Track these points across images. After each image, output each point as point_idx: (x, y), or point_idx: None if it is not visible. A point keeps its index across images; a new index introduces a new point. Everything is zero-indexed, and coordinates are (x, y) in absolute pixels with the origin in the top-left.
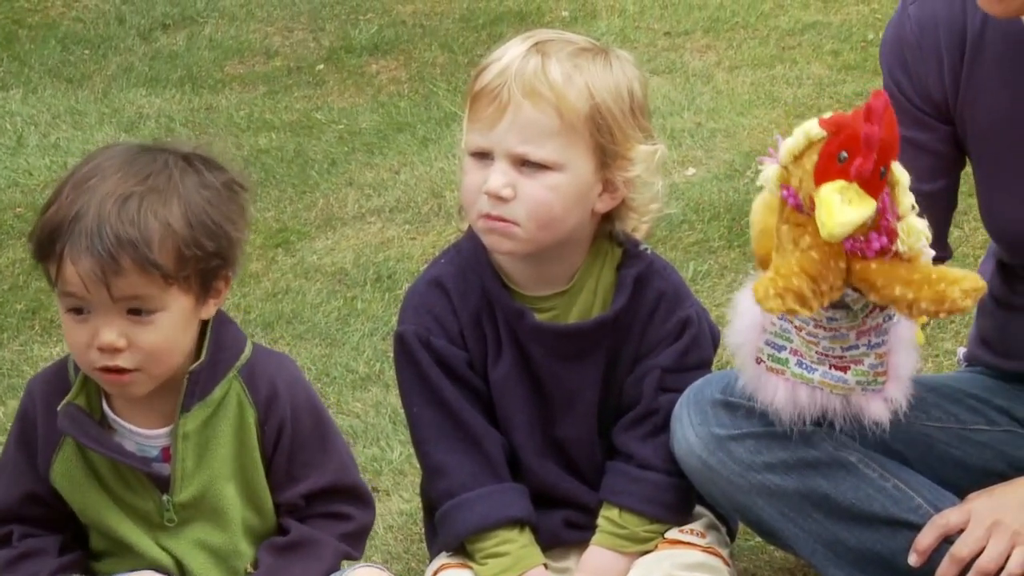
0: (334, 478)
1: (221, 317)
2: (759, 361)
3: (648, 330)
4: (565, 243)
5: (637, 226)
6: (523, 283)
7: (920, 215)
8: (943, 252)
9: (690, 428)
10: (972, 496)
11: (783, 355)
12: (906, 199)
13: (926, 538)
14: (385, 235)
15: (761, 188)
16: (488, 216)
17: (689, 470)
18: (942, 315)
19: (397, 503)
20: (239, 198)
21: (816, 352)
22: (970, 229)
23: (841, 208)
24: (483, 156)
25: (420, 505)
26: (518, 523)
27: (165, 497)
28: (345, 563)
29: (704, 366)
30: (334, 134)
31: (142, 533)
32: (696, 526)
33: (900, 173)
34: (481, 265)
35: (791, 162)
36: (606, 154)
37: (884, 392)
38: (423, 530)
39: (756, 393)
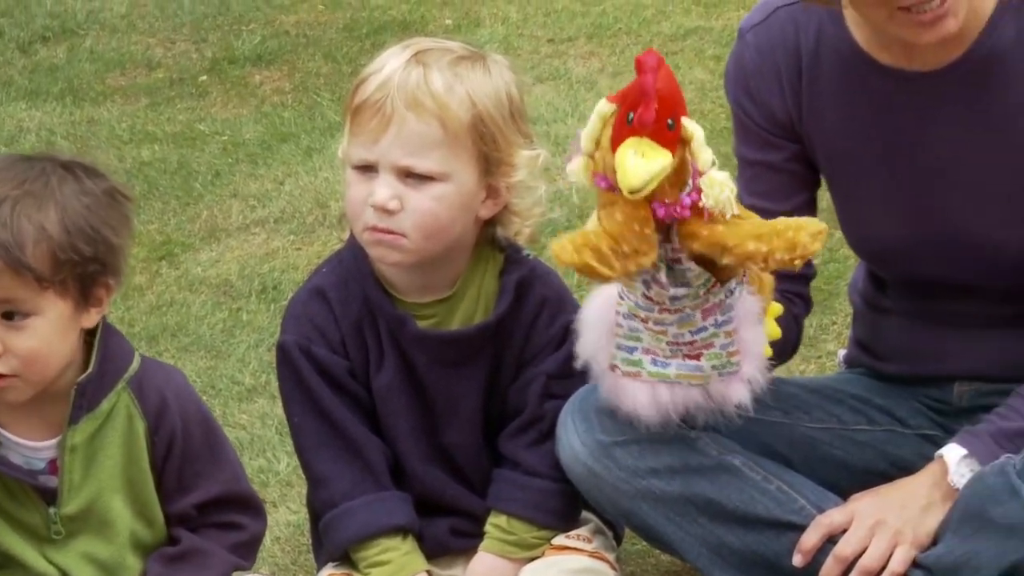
0: (226, 488)
1: (108, 329)
2: (613, 368)
3: (531, 336)
4: (448, 250)
5: (520, 230)
6: (405, 290)
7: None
8: (807, 269)
9: (575, 435)
10: (855, 496)
11: (636, 356)
12: (704, 154)
13: (810, 538)
14: (270, 246)
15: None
16: (375, 229)
17: (575, 476)
18: (796, 262)
19: (284, 514)
20: (121, 206)
21: (667, 343)
22: None
23: (635, 161)
24: (367, 169)
25: (307, 516)
26: (400, 531)
27: (52, 510)
28: (236, 574)
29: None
30: (218, 145)
31: (29, 546)
32: (583, 531)
33: (693, 128)
34: (363, 273)
35: (594, 148)
36: (489, 161)
37: (741, 373)
38: (310, 541)
39: (617, 402)
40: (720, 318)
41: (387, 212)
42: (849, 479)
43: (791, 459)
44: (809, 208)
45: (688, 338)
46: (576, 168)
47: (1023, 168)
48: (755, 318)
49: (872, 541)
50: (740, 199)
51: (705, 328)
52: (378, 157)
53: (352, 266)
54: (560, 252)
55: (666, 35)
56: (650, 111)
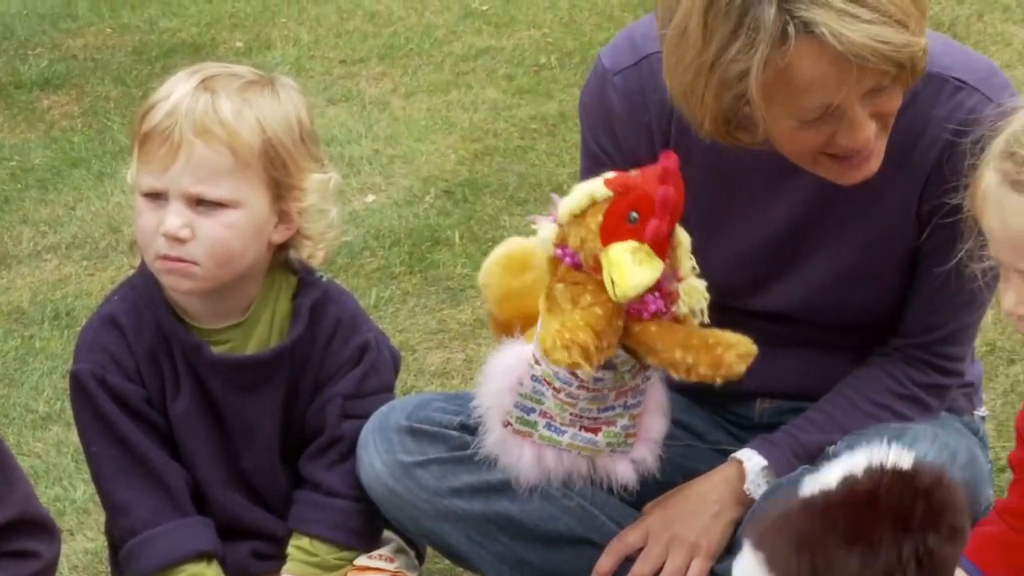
0: (20, 510)
1: None
2: (507, 424)
3: (327, 357)
4: (241, 276)
5: (313, 254)
6: (199, 316)
7: (700, 276)
8: None
9: (376, 455)
10: (648, 507)
11: (532, 417)
12: (687, 261)
13: (606, 562)
14: (62, 272)
15: (490, 250)
16: (166, 257)
17: (376, 497)
18: (718, 380)
19: (82, 542)
20: None
21: (570, 414)
22: None
23: (633, 269)
24: (157, 196)
25: (105, 544)
26: (204, 556)
27: None
28: None
29: (385, 391)
30: (6, 171)
31: None
32: (385, 551)
33: (683, 235)
34: (155, 300)
35: (570, 221)
36: (280, 186)
37: (632, 453)
38: (109, 569)
39: (500, 456)
40: (631, 401)
41: (178, 241)
42: (648, 493)
43: None
44: None
45: (594, 414)
46: (546, 234)
47: (875, 235)
48: (662, 407)
49: (669, 557)
50: None
51: (613, 408)
52: (168, 185)
53: (144, 293)
54: (551, 350)
55: (458, 55)
56: (664, 225)
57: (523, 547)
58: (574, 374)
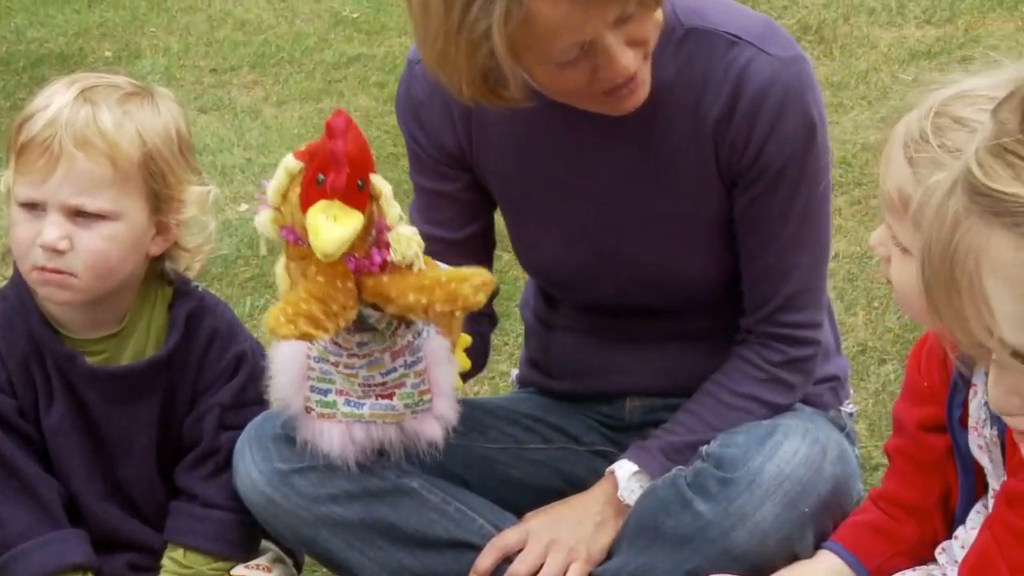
0: None
1: None
2: (309, 410)
3: (203, 368)
4: (117, 287)
5: (190, 265)
6: (73, 327)
7: (410, 223)
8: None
9: (252, 464)
10: (530, 515)
11: (330, 398)
12: (392, 210)
13: (485, 559)
14: None
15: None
16: (43, 269)
17: (253, 505)
18: (458, 313)
19: None
20: None
21: (359, 385)
22: None
23: (328, 226)
24: (34, 207)
25: None
26: (79, 568)
27: None
28: None
29: (262, 400)
30: None
31: None
32: (262, 560)
33: (382, 184)
34: (27, 310)
35: (281, 202)
36: (160, 198)
37: (433, 411)
38: None
39: (313, 442)
40: (410, 359)
41: (56, 252)
42: (526, 498)
43: (468, 480)
44: (485, 236)
45: (379, 380)
46: (263, 221)
47: (686, 199)
48: (444, 357)
49: (547, 559)
50: (417, 226)
51: (395, 369)
52: (46, 196)
53: (16, 303)
54: (276, 327)
55: (329, 63)
56: (342, 177)
57: (402, 552)
58: (336, 343)
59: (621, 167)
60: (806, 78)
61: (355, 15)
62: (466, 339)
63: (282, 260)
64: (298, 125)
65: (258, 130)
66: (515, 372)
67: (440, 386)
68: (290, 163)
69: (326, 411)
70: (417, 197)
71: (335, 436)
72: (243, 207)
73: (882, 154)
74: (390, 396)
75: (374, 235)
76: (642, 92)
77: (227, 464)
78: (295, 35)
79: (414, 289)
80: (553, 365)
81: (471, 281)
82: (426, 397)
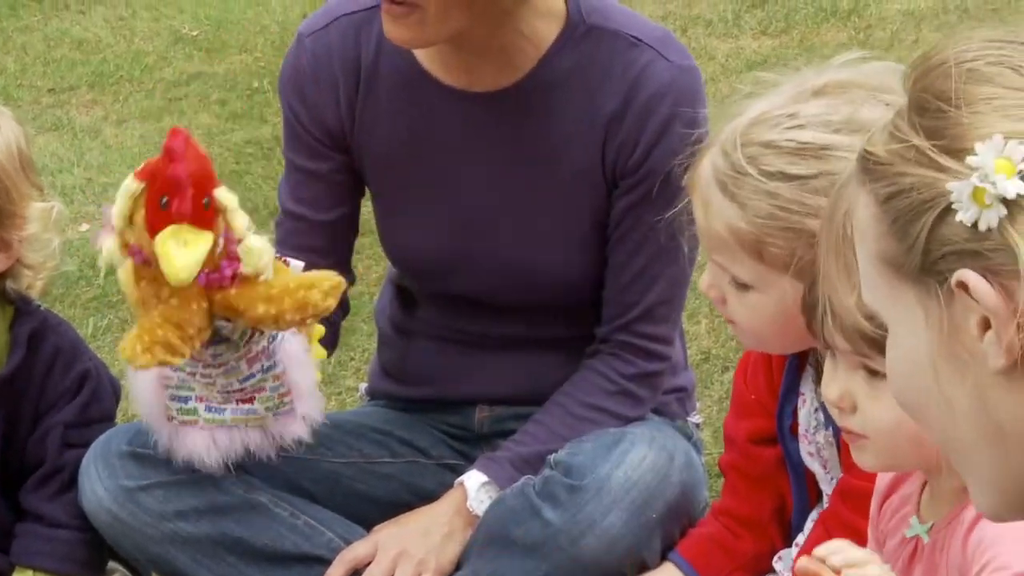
0: None
1: None
2: (171, 418)
3: (46, 387)
4: None
5: (32, 284)
6: None
7: (258, 233)
8: (348, 277)
9: (98, 482)
10: (379, 527)
11: (191, 404)
12: (239, 222)
13: (335, 572)
14: None
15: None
16: None
17: (100, 524)
18: (309, 320)
19: None
20: None
21: (218, 392)
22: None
23: (179, 252)
24: None
25: None
26: None
27: None
28: None
29: (107, 419)
30: None
31: None
32: None
33: (227, 198)
34: None
35: (125, 225)
36: (2, 214)
37: (296, 411)
38: None
39: (176, 451)
40: (266, 363)
41: None
42: (376, 512)
43: (317, 494)
44: (349, 222)
45: (237, 386)
46: (108, 247)
47: (565, 197)
48: (302, 357)
49: (396, 571)
50: (284, 204)
51: (253, 375)
52: None
53: None
54: (132, 357)
55: (169, 81)
56: (187, 202)
57: (251, 567)
58: (191, 356)
59: (506, 153)
60: (699, 89)
61: (194, 33)
62: (320, 329)
63: (127, 270)
64: (139, 144)
65: (98, 150)
66: (363, 386)
67: (300, 387)
68: (131, 185)
69: (187, 418)
70: (288, 174)
71: (198, 442)
72: (84, 227)
73: (694, 200)
74: (250, 400)
75: (223, 247)
76: (412, 26)
77: (72, 483)
78: (134, 54)
79: (263, 300)
80: (407, 372)
81: (320, 287)
82: (286, 399)
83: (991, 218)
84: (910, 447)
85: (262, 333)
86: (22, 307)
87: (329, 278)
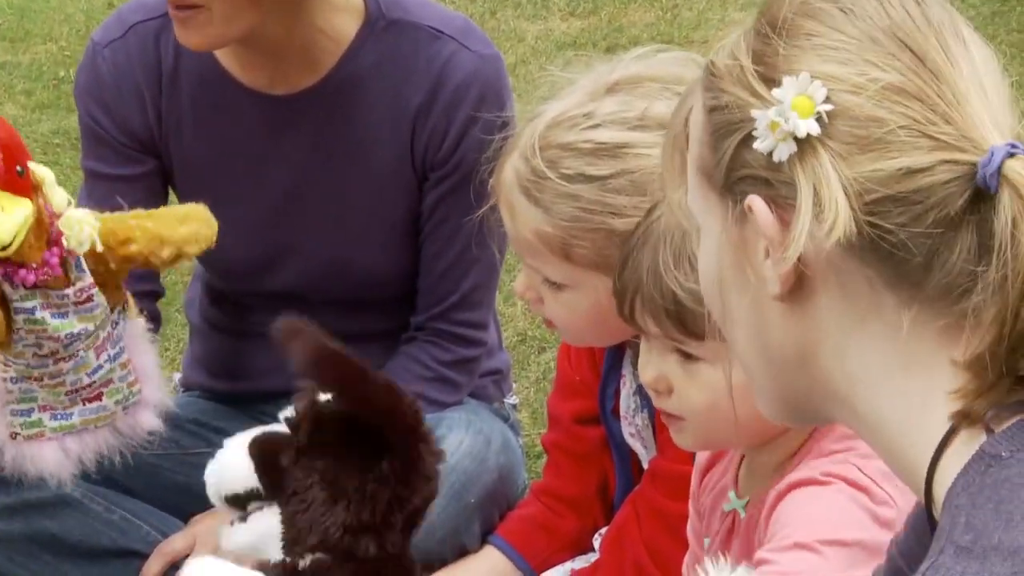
0: None
1: None
2: (14, 436)
3: None
4: None
5: None
6: None
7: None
8: (158, 286)
9: None
10: (196, 519)
11: (34, 416)
12: (58, 195)
13: (153, 566)
14: None
15: None
16: None
17: None
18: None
19: None
20: None
21: (65, 394)
22: None
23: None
24: None
25: None
26: None
27: None
28: None
29: None
30: None
31: None
32: None
33: (43, 172)
34: None
35: None
36: None
37: (144, 400)
38: None
39: (25, 469)
40: (112, 351)
41: None
42: (193, 503)
43: (132, 487)
44: None
45: (86, 381)
46: None
47: (376, 192)
48: (144, 340)
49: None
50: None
51: (101, 367)
52: None
53: None
54: None
55: None
56: None
57: (68, 564)
58: (41, 355)
59: (313, 153)
60: (503, 77)
61: None
62: (133, 308)
63: None
64: None
65: None
66: (177, 376)
67: (146, 371)
68: None
69: (32, 431)
70: (93, 186)
71: (47, 454)
72: None
73: (500, 205)
74: (99, 397)
75: (46, 235)
76: (191, 37)
77: None
78: None
79: (180, 221)
80: (218, 366)
81: (188, 210)
82: (135, 388)
83: (783, 152)
84: (726, 427)
85: (109, 315)
86: None
87: (193, 206)
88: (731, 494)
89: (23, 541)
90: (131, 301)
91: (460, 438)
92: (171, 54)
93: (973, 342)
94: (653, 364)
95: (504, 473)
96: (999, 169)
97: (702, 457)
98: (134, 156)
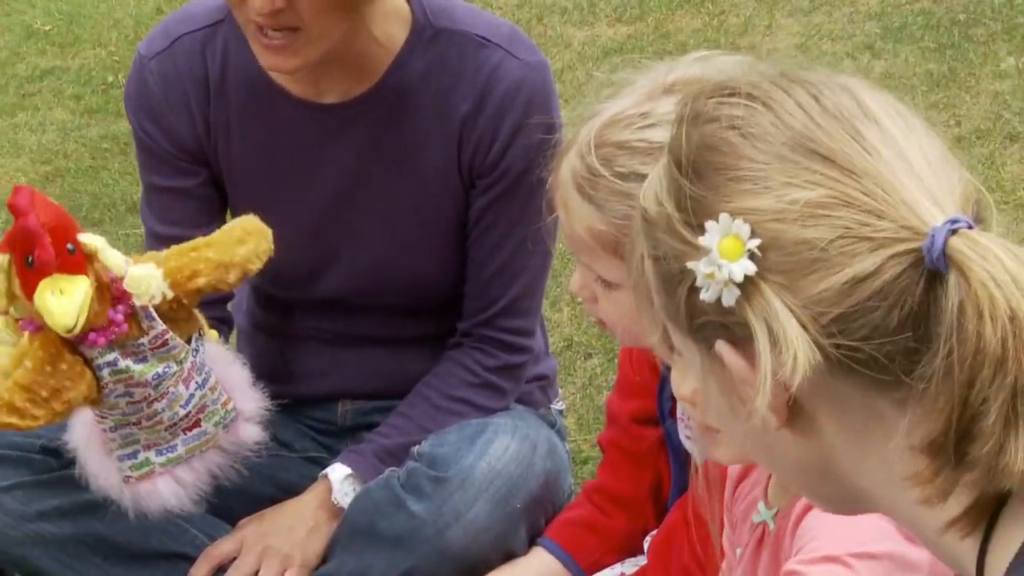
0: None
1: None
2: (127, 480)
3: None
4: None
5: None
6: None
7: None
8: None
9: None
10: (243, 523)
11: (141, 457)
12: (114, 259)
13: (200, 569)
14: None
15: None
16: None
17: None
18: (265, 246)
19: None
20: None
21: (165, 430)
22: None
23: (56, 301)
24: None
25: None
26: None
27: None
28: None
29: None
30: None
31: None
32: None
33: (93, 240)
34: None
35: (8, 303)
36: None
37: (241, 414)
38: None
39: (148, 508)
40: (199, 379)
41: None
42: (240, 506)
43: None
44: None
45: (182, 413)
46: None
47: (424, 199)
48: (225, 358)
49: (262, 566)
50: (152, 228)
51: (192, 395)
52: None
53: None
54: None
55: (22, 77)
56: (46, 250)
57: (116, 566)
58: (133, 401)
59: (362, 161)
60: (550, 84)
61: (47, 27)
62: (214, 333)
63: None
64: None
65: None
66: None
67: (235, 386)
68: (0, 259)
69: (142, 471)
70: (151, 198)
71: (162, 490)
72: None
73: (557, 202)
74: (197, 424)
75: (109, 296)
76: (287, 63)
77: None
78: None
79: (237, 243)
80: (266, 369)
81: (243, 226)
82: (229, 407)
83: (728, 297)
84: None
85: (188, 343)
86: None
87: (245, 221)
88: (760, 505)
89: (72, 543)
90: (203, 322)
91: (506, 443)
92: (218, 65)
93: (926, 426)
94: (690, 377)
95: (550, 479)
96: (943, 250)
97: (735, 467)
98: (184, 168)
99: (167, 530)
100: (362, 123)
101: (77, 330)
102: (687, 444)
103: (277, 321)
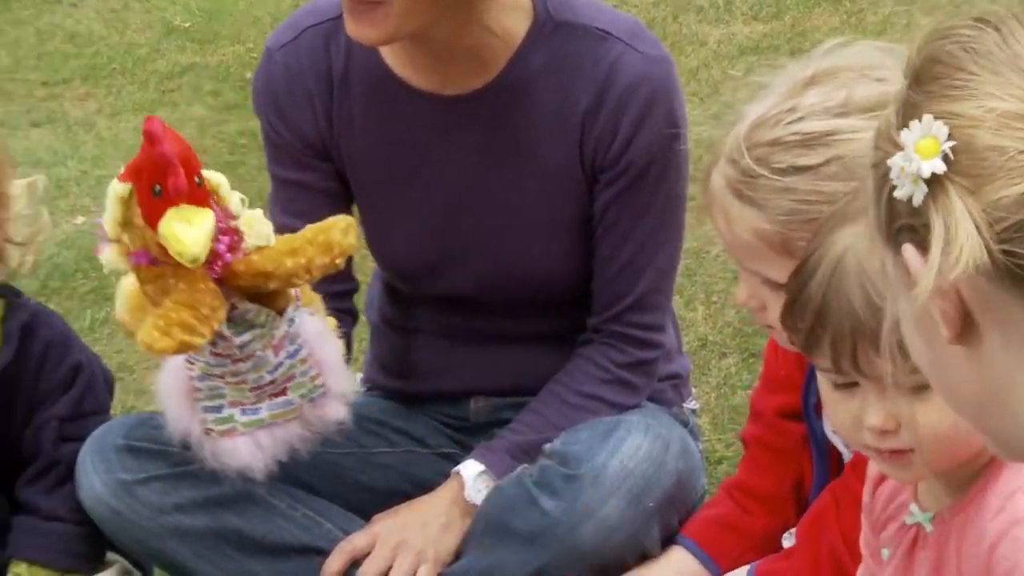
0: None
1: None
2: (209, 432)
3: (40, 380)
4: None
5: (24, 261)
6: None
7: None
8: (350, 284)
9: (95, 476)
10: (377, 518)
11: (225, 413)
12: (233, 198)
13: (334, 563)
14: None
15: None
16: None
17: (98, 518)
18: (338, 261)
19: None
20: None
21: (250, 390)
22: None
23: (186, 229)
24: None
25: None
26: None
27: None
28: None
29: (101, 411)
30: None
31: None
32: (108, 573)
33: (216, 177)
34: None
35: (121, 231)
36: None
37: (330, 391)
38: None
39: (223, 464)
40: (291, 348)
41: None
42: (374, 502)
43: (315, 485)
44: None
45: (268, 379)
46: (109, 259)
47: (546, 193)
48: (323, 335)
49: (395, 561)
50: (276, 219)
51: (281, 364)
52: None
53: None
54: (152, 343)
55: (162, 73)
56: (181, 179)
57: (251, 559)
58: (217, 354)
59: (482, 155)
60: (673, 79)
61: (187, 24)
62: (332, 321)
63: (124, 289)
64: (132, 136)
65: (92, 142)
66: (359, 376)
67: (327, 363)
68: (118, 189)
69: (225, 427)
70: (276, 189)
71: (241, 449)
72: (80, 220)
73: (714, 214)
74: (283, 392)
75: (224, 228)
76: (378, 22)
77: (69, 476)
78: (127, 45)
79: (287, 254)
80: (399, 366)
81: (337, 226)
82: (318, 382)
83: (918, 196)
84: (963, 443)
85: (282, 315)
86: (12, 300)
87: (342, 218)
88: (913, 507)
89: (209, 536)
90: (319, 303)
91: (638, 442)
92: (342, 57)
93: None
94: (878, 406)
95: (683, 478)
96: None
97: (873, 470)
98: (307, 162)
99: (301, 524)
100: (481, 117)
101: (200, 262)
102: (832, 438)
103: (403, 316)
